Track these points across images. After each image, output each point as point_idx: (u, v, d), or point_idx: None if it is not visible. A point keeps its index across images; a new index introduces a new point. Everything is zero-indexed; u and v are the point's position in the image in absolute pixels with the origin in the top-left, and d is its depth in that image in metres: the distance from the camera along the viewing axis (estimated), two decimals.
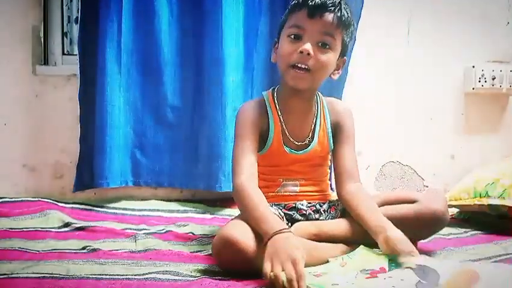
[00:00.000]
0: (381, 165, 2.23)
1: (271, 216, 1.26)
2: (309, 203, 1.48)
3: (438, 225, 1.44)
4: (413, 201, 1.43)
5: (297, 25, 1.39)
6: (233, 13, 1.94)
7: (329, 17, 1.38)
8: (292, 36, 1.40)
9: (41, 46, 2.01)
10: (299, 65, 1.38)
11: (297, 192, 1.50)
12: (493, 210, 1.75)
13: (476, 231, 1.72)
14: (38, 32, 2.00)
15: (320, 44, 1.39)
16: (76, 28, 2.52)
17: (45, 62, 2.03)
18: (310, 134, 1.50)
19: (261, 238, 1.23)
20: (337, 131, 1.54)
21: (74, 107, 1.98)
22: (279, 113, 1.49)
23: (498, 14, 2.31)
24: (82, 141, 1.94)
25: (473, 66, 2.26)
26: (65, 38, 2.08)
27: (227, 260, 1.23)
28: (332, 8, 1.38)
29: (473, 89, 2.27)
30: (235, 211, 1.88)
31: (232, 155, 1.46)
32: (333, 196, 1.55)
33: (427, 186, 2.25)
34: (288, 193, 1.49)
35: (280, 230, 1.19)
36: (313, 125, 1.51)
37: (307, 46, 1.37)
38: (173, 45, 1.98)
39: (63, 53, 2.07)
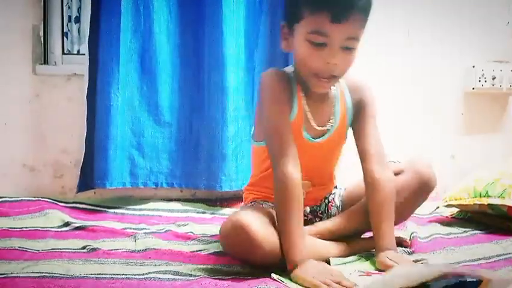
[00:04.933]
0: None
1: (299, 239, 1.21)
2: (312, 207, 1.47)
3: (428, 189, 1.42)
4: (398, 172, 1.41)
5: (318, 31, 1.22)
6: (233, 12, 1.94)
7: (355, 18, 1.22)
8: (314, 43, 1.23)
9: (41, 45, 2.01)
10: (324, 76, 1.26)
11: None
12: (493, 210, 1.75)
13: (476, 231, 1.71)
14: (38, 32, 2.00)
15: (344, 47, 1.24)
16: (75, 28, 2.53)
17: (46, 61, 2.03)
18: (333, 118, 1.39)
19: (274, 230, 1.24)
20: (358, 109, 1.41)
21: (74, 107, 1.98)
22: (302, 93, 1.35)
23: (498, 14, 2.31)
24: (87, 141, 1.93)
25: (473, 66, 2.26)
26: (65, 38, 2.08)
27: (237, 244, 1.21)
28: (360, 4, 1.22)
29: (473, 89, 2.27)
30: (235, 210, 1.88)
31: (267, 134, 1.32)
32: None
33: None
34: None
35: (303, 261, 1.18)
36: (333, 108, 1.40)
37: (335, 58, 1.23)
38: (173, 45, 1.98)
39: (63, 53, 2.07)
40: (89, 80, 1.91)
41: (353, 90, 1.42)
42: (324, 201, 1.50)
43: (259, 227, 1.20)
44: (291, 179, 1.24)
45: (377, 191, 1.33)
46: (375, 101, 1.42)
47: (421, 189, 1.41)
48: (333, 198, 1.50)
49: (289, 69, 1.40)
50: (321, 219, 1.47)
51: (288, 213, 1.23)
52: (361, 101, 1.41)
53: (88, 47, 1.91)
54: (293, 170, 1.25)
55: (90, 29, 1.90)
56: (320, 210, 1.48)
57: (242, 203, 1.55)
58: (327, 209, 1.49)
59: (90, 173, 1.92)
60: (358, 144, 1.40)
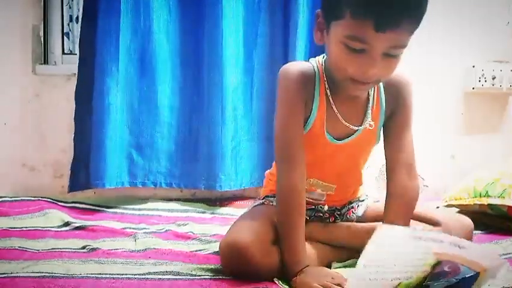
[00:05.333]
0: (381, 165, 2.23)
1: (300, 251, 1.18)
2: (330, 207, 1.39)
3: None
4: (434, 223, 1.34)
5: (359, 38, 1.07)
6: (233, 12, 1.94)
7: (404, 27, 1.06)
8: (351, 49, 1.10)
9: (41, 45, 2.01)
10: (361, 80, 1.14)
11: (321, 200, 1.36)
12: (493, 210, 1.75)
13: (476, 231, 1.71)
14: (38, 31, 2.00)
15: (387, 54, 1.11)
16: (76, 27, 2.52)
17: (45, 61, 2.03)
18: (365, 118, 1.27)
19: (274, 250, 1.21)
20: (394, 110, 1.28)
21: (73, 107, 1.98)
22: (328, 92, 1.24)
23: (498, 14, 2.31)
24: (77, 141, 1.93)
25: (473, 66, 2.26)
26: (65, 38, 2.08)
27: (236, 268, 1.18)
28: (412, 12, 1.07)
29: (473, 88, 2.27)
30: (235, 210, 1.88)
31: (276, 134, 1.24)
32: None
33: (427, 186, 2.24)
34: (312, 200, 1.34)
35: (303, 268, 1.15)
36: (365, 107, 1.27)
37: (374, 70, 1.10)
38: (173, 45, 1.98)
39: (63, 53, 2.07)
40: (84, 80, 1.90)
41: (389, 88, 1.27)
42: (348, 205, 1.42)
43: (256, 248, 1.15)
44: (295, 192, 1.20)
45: (399, 197, 1.26)
46: (412, 106, 1.29)
47: None
48: (357, 206, 1.43)
49: (314, 62, 1.28)
50: (335, 219, 1.39)
51: (290, 227, 1.19)
52: (398, 101, 1.28)
53: (81, 46, 1.89)
54: (298, 182, 1.20)
55: (82, 28, 1.89)
56: (339, 212, 1.40)
57: (262, 189, 1.48)
58: (347, 214, 1.41)
59: (85, 173, 1.91)
60: (388, 149, 1.30)
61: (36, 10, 1.99)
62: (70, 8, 2.59)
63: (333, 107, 1.24)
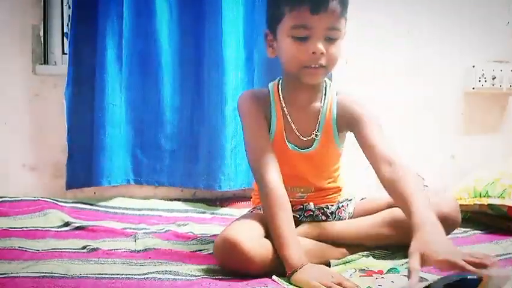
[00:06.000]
0: None
1: (294, 244, 1.22)
2: (319, 206, 1.44)
3: (449, 229, 1.37)
4: None
5: (301, 25, 1.27)
6: (233, 13, 1.94)
7: (334, 8, 1.26)
8: (297, 38, 1.28)
9: (41, 45, 2.01)
10: (313, 65, 1.29)
11: (304, 199, 1.44)
12: (493, 210, 1.75)
13: (476, 231, 1.72)
14: (38, 31, 2.00)
15: (327, 38, 1.29)
16: None
17: (45, 61, 2.03)
18: (318, 128, 1.40)
19: (266, 242, 1.25)
20: (352, 123, 1.39)
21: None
22: (283, 105, 1.40)
23: (498, 14, 2.31)
24: (73, 140, 1.94)
25: (473, 66, 2.26)
26: (65, 38, 2.08)
27: (229, 262, 1.22)
28: None
29: (473, 88, 2.27)
30: (235, 210, 1.89)
31: (246, 149, 1.39)
32: (343, 195, 1.51)
33: (427, 186, 2.24)
34: (294, 199, 1.41)
35: (302, 265, 1.18)
36: (319, 120, 1.41)
37: (320, 47, 1.27)
38: (173, 45, 1.98)
39: (63, 53, 2.07)
40: (80, 79, 1.91)
41: (341, 106, 1.40)
42: (337, 204, 1.48)
43: (248, 242, 1.19)
44: (273, 188, 1.28)
45: (387, 187, 1.27)
46: (370, 113, 1.39)
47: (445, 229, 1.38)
48: (347, 205, 1.48)
49: (270, 85, 1.45)
50: (327, 218, 1.44)
51: (278, 222, 1.24)
52: (352, 117, 1.39)
53: (75, 46, 1.90)
54: (274, 178, 1.29)
55: (77, 28, 1.90)
56: (329, 210, 1.45)
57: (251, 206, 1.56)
58: (338, 212, 1.47)
59: (85, 171, 1.93)
60: (363, 152, 1.38)
61: (36, 10, 1.99)
62: (69, 8, 2.58)
63: (289, 118, 1.39)
